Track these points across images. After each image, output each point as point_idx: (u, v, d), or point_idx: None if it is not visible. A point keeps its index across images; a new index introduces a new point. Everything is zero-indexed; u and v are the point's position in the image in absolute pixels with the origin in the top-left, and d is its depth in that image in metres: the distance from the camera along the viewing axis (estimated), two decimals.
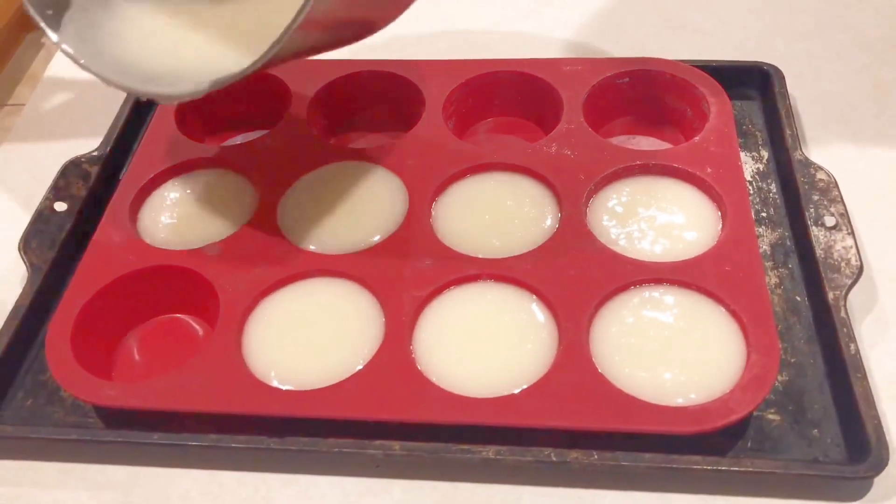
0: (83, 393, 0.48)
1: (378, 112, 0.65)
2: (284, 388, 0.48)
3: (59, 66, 0.75)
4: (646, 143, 0.61)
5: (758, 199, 0.57)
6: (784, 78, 0.62)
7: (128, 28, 0.51)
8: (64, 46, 0.48)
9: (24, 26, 2.11)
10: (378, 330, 0.49)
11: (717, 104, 0.59)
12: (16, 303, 0.54)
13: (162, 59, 0.49)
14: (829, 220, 0.53)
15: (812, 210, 0.54)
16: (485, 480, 0.46)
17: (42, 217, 0.59)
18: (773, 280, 0.53)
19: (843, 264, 0.51)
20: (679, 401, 0.45)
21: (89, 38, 0.49)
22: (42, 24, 0.48)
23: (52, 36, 0.48)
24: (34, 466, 0.49)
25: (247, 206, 0.58)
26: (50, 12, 0.49)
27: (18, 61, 2.03)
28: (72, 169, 0.61)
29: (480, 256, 0.52)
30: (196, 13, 0.52)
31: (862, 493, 0.44)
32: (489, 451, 0.45)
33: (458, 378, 0.47)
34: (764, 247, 0.55)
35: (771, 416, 0.47)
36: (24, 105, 0.72)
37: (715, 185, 0.54)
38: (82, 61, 0.48)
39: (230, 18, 0.51)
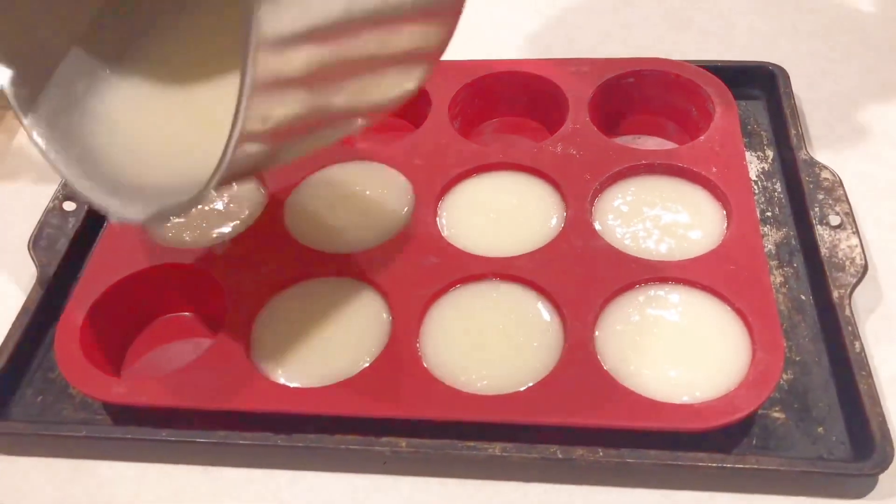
0: (92, 390, 0.49)
1: None
2: (292, 385, 0.48)
3: None
4: (651, 143, 0.61)
5: (763, 199, 0.57)
6: (789, 78, 0.62)
7: (102, 118, 0.46)
8: (35, 136, 0.43)
9: None
10: (384, 328, 0.50)
11: (722, 104, 0.59)
12: (25, 301, 0.55)
13: (126, 164, 0.44)
14: (834, 220, 0.53)
15: (817, 209, 0.54)
16: (491, 477, 0.47)
17: (51, 216, 0.59)
18: (779, 279, 0.53)
19: (847, 263, 0.51)
20: (684, 398, 0.45)
21: (61, 124, 0.45)
22: (15, 106, 0.44)
23: (24, 120, 0.44)
24: (45, 463, 0.49)
25: (255, 205, 0.58)
26: (25, 91, 0.44)
27: None
28: None
29: (486, 255, 0.53)
30: (175, 105, 0.47)
31: (867, 490, 0.45)
32: (495, 448, 0.45)
33: (464, 376, 0.47)
34: (769, 246, 0.55)
35: (776, 414, 0.47)
36: None
37: (720, 185, 0.54)
38: (52, 156, 0.43)
39: (203, 116, 0.46)
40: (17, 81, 0.44)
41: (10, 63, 0.44)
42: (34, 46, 0.45)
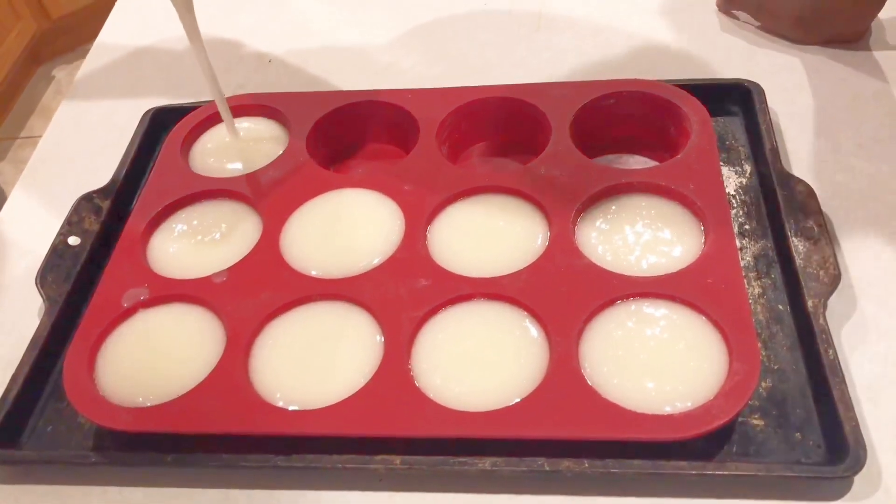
0: (100, 418, 0.51)
1: (375, 140, 0.68)
2: (290, 408, 0.50)
3: (72, 102, 0.78)
4: (632, 162, 0.63)
5: (741, 212, 0.59)
6: (764, 94, 0.64)
7: None
8: None
9: (35, 60, 2.16)
10: (378, 349, 0.52)
11: (699, 122, 0.61)
12: (33, 335, 0.57)
13: None
14: (808, 231, 0.55)
15: (792, 221, 0.56)
16: (482, 490, 0.48)
17: (57, 252, 0.62)
18: (757, 290, 0.55)
19: (821, 273, 0.53)
20: (666, 409, 0.47)
21: None
22: None
23: None
24: (56, 490, 0.51)
25: (251, 234, 0.60)
26: None
27: (30, 94, 2.08)
28: (84, 204, 0.64)
29: (474, 276, 0.55)
30: None
31: (842, 491, 0.46)
32: (485, 463, 0.47)
33: (454, 393, 0.49)
34: (747, 258, 0.57)
35: (755, 422, 0.49)
36: (36, 137, 0.75)
37: (697, 201, 0.56)
38: None
39: None
40: None
41: None
42: None
